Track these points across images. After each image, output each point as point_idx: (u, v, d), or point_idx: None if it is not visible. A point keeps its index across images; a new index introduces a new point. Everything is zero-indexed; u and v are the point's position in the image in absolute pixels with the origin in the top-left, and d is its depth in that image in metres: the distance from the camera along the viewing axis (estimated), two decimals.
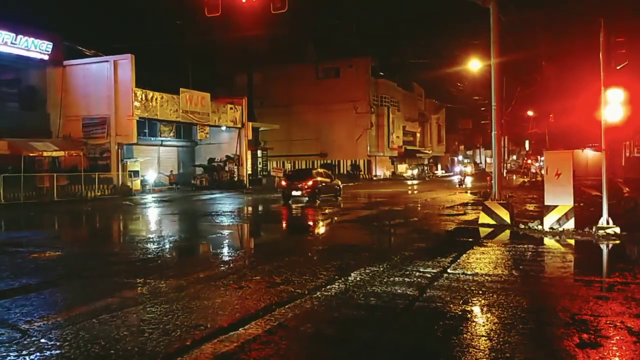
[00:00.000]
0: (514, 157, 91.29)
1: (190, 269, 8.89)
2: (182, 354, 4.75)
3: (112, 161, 30.95)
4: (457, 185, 39.61)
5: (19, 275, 8.40)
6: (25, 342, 5.17)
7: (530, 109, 50.76)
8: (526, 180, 40.11)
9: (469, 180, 45.09)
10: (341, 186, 27.94)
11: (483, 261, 9.06)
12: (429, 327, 5.43)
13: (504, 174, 33.76)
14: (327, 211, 20.04)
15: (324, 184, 25.32)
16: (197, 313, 6.12)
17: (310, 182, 24.12)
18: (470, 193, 29.49)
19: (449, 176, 64.76)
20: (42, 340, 5.21)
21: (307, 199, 24.06)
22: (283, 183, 25.40)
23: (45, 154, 28.61)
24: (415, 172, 58.48)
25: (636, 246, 10.99)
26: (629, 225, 12.04)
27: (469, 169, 63.10)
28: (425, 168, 64.83)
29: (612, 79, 12.05)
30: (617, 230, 11.74)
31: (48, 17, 39.98)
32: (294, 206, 22.46)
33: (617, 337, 5.13)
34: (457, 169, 70.56)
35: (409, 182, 49.00)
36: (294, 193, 23.98)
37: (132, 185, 31.30)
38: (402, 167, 63.06)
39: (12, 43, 28.89)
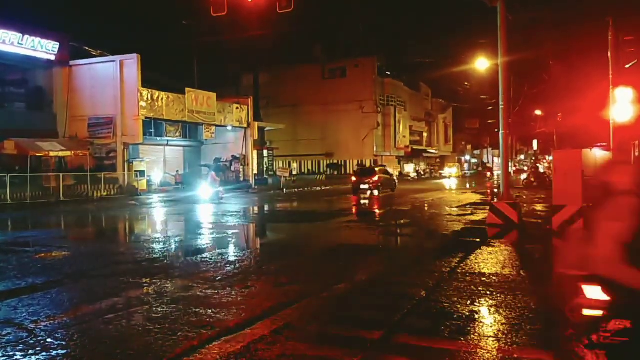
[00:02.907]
0: (522, 156, 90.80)
1: (196, 268, 8.87)
2: (188, 354, 4.72)
3: (118, 161, 31.05)
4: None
5: (26, 275, 8.42)
6: (32, 341, 5.17)
7: (538, 108, 50.44)
8: (534, 179, 39.81)
9: (454, 183, 44.19)
10: (397, 181, 33.57)
11: (491, 261, 9.00)
12: (436, 327, 5.39)
13: (511, 174, 33.59)
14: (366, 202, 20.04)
15: (384, 180, 29.94)
16: (203, 313, 6.10)
17: (375, 178, 28.80)
18: (476, 193, 29.37)
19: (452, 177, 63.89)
20: (49, 340, 5.21)
21: (372, 191, 28.28)
22: (353, 178, 30.17)
23: (51, 154, 28.72)
24: None
25: None
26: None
27: (455, 170, 62.17)
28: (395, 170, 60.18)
29: (621, 77, 11.97)
30: None
31: (54, 17, 40.19)
32: (361, 196, 27.39)
33: (627, 339, 5.05)
34: (446, 170, 68.40)
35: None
36: (362, 186, 28.60)
37: (138, 185, 31.38)
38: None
39: (18, 43, 29.05)
